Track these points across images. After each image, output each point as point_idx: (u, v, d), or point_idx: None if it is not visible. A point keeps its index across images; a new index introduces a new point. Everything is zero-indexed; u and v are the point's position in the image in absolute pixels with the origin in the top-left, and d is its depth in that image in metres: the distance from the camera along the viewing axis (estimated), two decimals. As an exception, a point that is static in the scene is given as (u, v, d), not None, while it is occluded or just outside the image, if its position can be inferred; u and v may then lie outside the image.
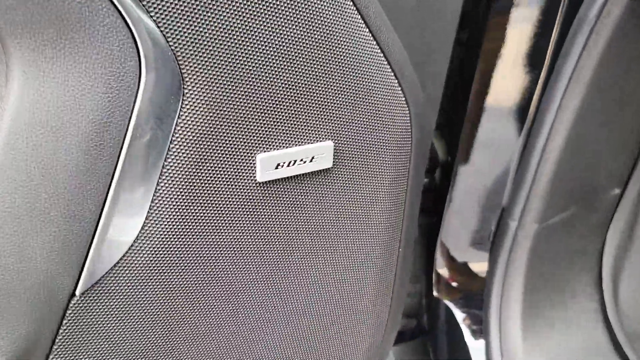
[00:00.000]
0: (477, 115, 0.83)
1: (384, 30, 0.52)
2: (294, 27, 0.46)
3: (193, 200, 0.48)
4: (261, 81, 0.46)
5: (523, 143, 0.82)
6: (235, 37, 0.43)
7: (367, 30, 0.50)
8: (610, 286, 0.90)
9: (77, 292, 0.47)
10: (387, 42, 0.52)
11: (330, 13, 0.47)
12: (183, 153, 0.46)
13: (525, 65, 0.78)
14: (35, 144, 0.41)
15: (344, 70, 0.50)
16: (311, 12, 0.46)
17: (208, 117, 0.45)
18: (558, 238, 0.86)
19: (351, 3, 0.48)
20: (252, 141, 0.48)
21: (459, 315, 0.98)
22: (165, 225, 0.47)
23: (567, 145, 0.78)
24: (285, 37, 0.46)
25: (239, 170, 0.49)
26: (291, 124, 0.49)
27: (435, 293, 0.97)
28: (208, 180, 0.48)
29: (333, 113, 0.51)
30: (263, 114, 0.47)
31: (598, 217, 0.89)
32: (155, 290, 0.50)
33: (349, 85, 0.51)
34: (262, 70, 0.46)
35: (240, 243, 0.52)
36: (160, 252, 0.48)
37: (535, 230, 0.83)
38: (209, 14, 0.42)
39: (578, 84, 0.74)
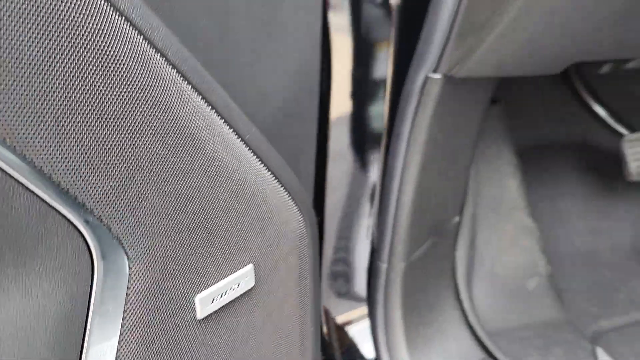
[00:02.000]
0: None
1: (272, 156, 0.61)
2: (209, 193, 0.53)
3: (149, 348, 0.53)
4: (191, 244, 0.53)
5: (379, 195, 0.96)
6: (166, 216, 0.50)
7: (264, 167, 0.59)
8: (466, 296, 1.09)
9: None
10: (275, 165, 0.61)
11: (237, 167, 0.55)
12: (136, 317, 0.50)
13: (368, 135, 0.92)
14: (7, 356, 0.44)
15: (250, 207, 0.58)
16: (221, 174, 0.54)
17: (152, 282, 0.50)
18: (421, 267, 1.02)
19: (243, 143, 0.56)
20: (190, 287, 0.54)
21: None
22: None
23: (416, 193, 0.93)
24: (202, 200, 0.53)
25: (182, 314, 0.55)
26: (220, 263, 0.56)
27: None
28: (158, 330, 0.53)
29: (249, 240, 0.59)
30: (196, 264, 0.54)
31: (447, 242, 1.07)
32: None
33: (256, 216, 0.59)
34: (192, 236, 0.52)
35: None
36: None
37: (404, 268, 0.98)
38: (142, 210, 0.48)
39: (415, 144, 0.90)
